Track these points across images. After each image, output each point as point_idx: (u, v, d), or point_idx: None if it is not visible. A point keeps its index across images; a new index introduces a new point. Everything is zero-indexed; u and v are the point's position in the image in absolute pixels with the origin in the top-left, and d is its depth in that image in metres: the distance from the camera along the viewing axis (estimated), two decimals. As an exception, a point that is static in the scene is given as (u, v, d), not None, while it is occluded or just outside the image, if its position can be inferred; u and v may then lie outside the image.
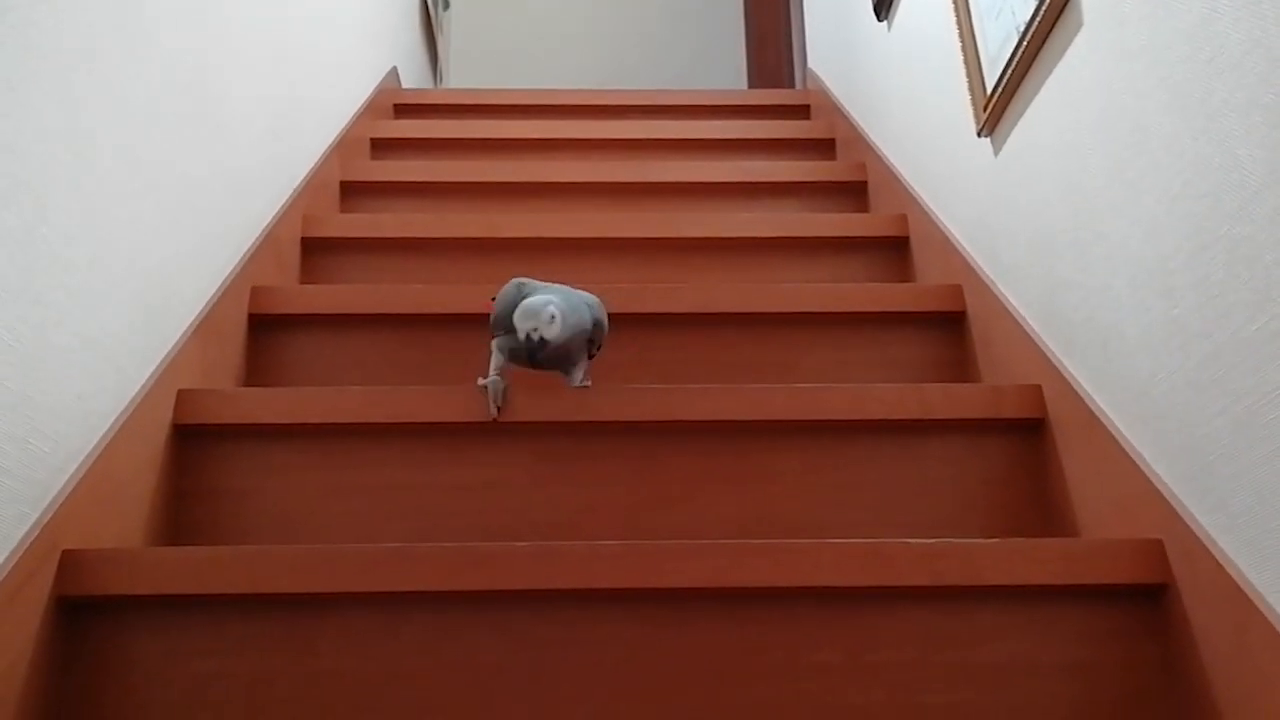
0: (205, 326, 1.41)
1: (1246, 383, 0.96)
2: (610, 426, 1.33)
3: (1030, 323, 1.43)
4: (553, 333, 1.25)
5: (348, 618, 1.03)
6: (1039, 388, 1.35)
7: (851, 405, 1.34)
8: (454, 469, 1.31)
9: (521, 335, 1.25)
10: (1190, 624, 1.01)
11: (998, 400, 1.35)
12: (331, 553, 1.03)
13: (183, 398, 1.30)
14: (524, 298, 1.30)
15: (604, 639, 1.03)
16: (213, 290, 1.48)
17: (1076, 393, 1.26)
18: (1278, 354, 0.91)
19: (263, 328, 1.60)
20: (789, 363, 1.62)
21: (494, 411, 1.30)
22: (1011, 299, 1.49)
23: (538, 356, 1.26)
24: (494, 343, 1.35)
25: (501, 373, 1.33)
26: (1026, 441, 1.35)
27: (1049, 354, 1.35)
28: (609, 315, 1.43)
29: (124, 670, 1.00)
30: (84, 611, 1.02)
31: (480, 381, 1.33)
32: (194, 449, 1.30)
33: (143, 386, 1.23)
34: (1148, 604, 1.06)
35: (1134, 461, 1.13)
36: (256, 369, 1.58)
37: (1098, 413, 1.21)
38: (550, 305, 1.25)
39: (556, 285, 1.36)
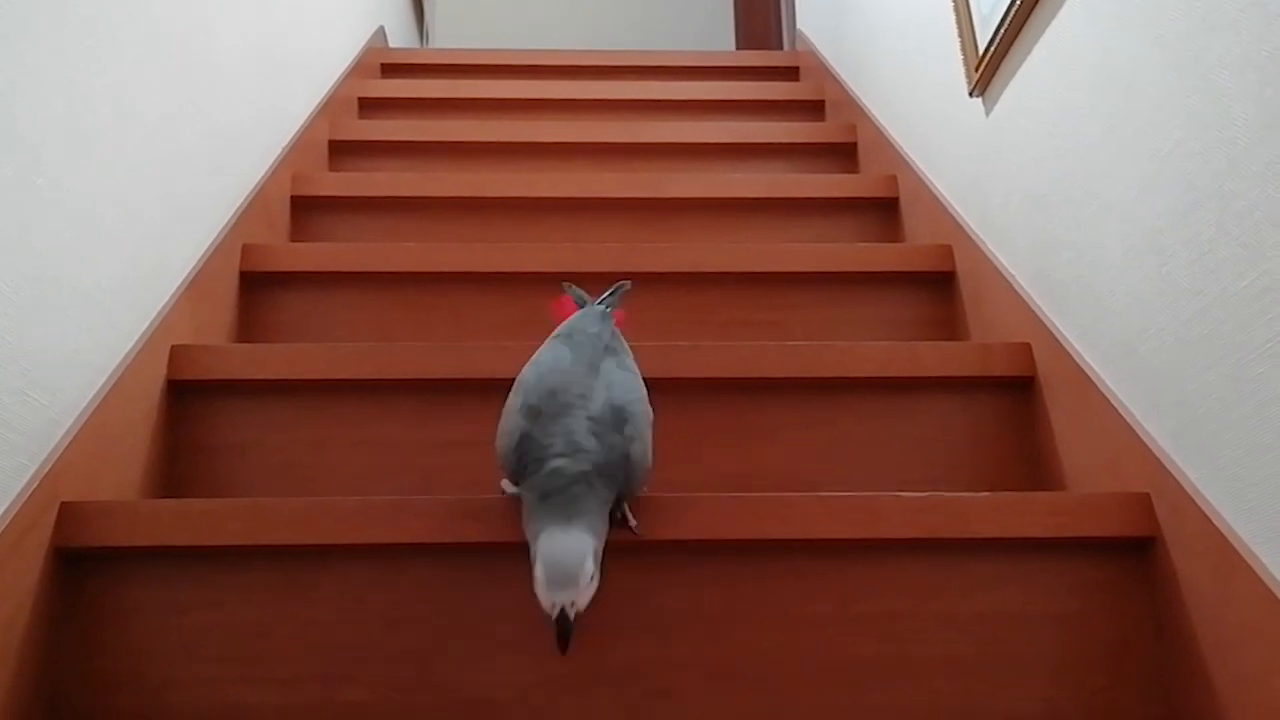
0: (197, 284, 1.41)
1: (1235, 338, 0.97)
2: (603, 383, 1.34)
3: (1020, 281, 1.44)
4: (590, 595, 0.88)
5: (345, 569, 1.04)
6: (1028, 345, 1.36)
7: (843, 363, 1.35)
8: (448, 425, 1.32)
9: (553, 613, 0.87)
10: (1177, 575, 1.02)
11: (987, 358, 1.36)
12: (329, 505, 1.04)
13: (176, 354, 1.30)
14: (545, 448, 0.92)
15: (597, 589, 1.04)
16: (204, 248, 1.48)
17: (1066, 350, 1.27)
18: (1266, 310, 0.92)
19: (254, 285, 1.60)
20: (779, 322, 1.63)
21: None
22: (1002, 258, 1.50)
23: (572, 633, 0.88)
24: (517, 490, 0.97)
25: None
26: (1016, 399, 1.36)
27: (1039, 312, 1.36)
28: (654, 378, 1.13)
29: (123, 621, 1.01)
30: (83, 562, 1.02)
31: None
32: (188, 405, 1.30)
33: (137, 342, 1.23)
34: (1135, 556, 1.07)
35: (1122, 417, 1.14)
36: (248, 327, 1.58)
37: (1087, 370, 1.22)
38: (588, 563, 0.87)
39: (581, 409, 0.95)
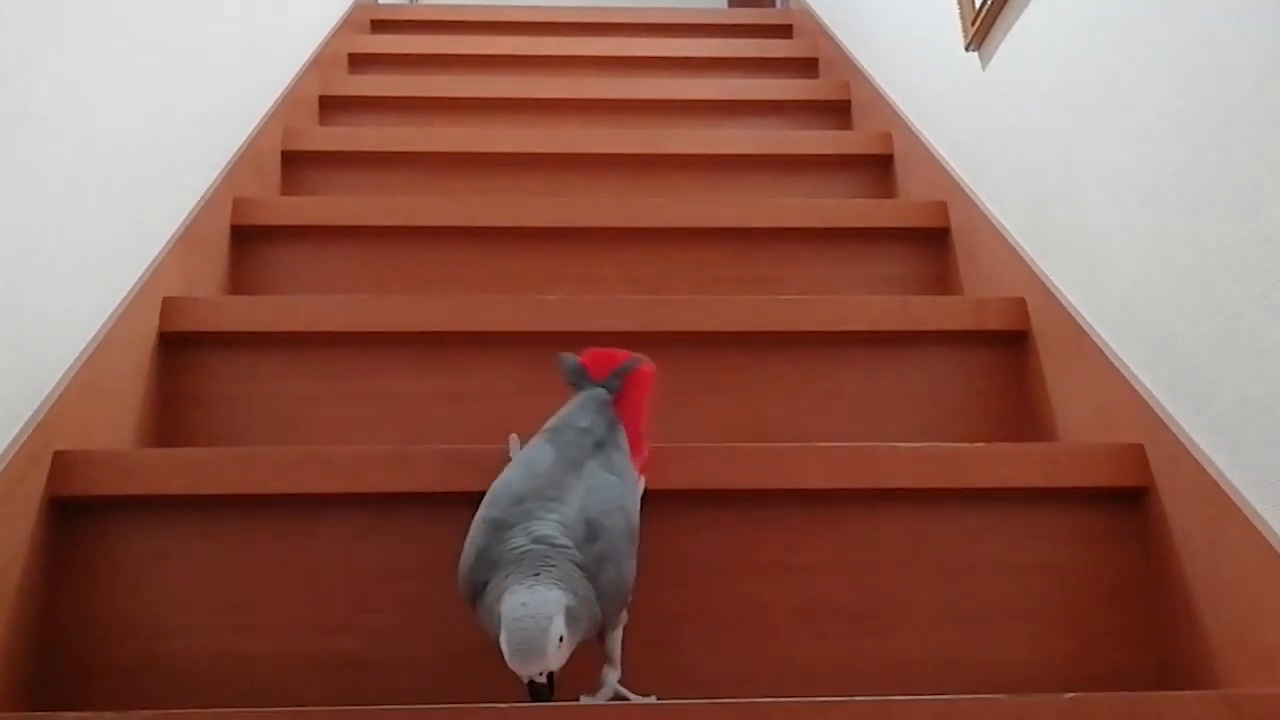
0: (188, 236, 1.40)
1: (1231, 289, 0.97)
2: (596, 337, 1.33)
3: (1015, 236, 1.43)
4: (562, 658, 0.79)
5: (341, 518, 1.03)
6: (1023, 300, 1.36)
7: (838, 317, 1.34)
8: (441, 378, 1.32)
9: (523, 677, 0.79)
10: (1169, 524, 1.03)
11: (982, 312, 1.36)
12: (323, 454, 1.03)
13: (168, 305, 1.29)
14: (504, 586, 0.80)
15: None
16: (195, 200, 1.47)
17: (1060, 304, 1.27)
18: (1261, 260, 0.92)
19: (245, 239, 1.59)
20: (774, 278, 1.62)
21: None
22: (996, 214, 1.50)
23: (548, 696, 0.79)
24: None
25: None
26: (1010, 353, 1.37)
27: (1033, 267, 1.36)
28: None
29: (117, 569, 1.01)
30: (77, 511, 1.02)
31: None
32: (180, 357, 1.30)
33: (129, 293, 1.22)
34: (1128, 506, 1.08)
35: (1116, 370, 1.14)
36: (239, 281, 1.58)
37: (1081, 323, 1.22)
38: (556, 623, 0.78)
39: (548, 516, 0.85)
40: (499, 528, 0.84)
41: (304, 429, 1.28)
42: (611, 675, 0.91)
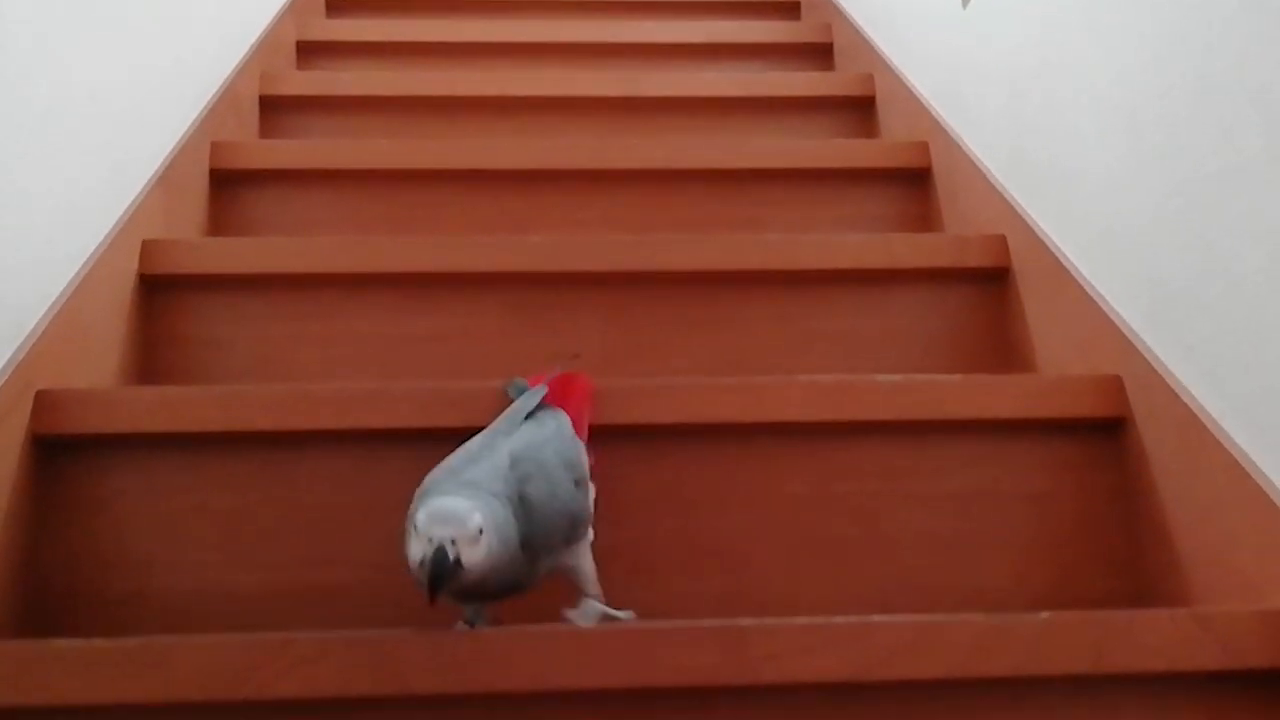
0: (167, 179, 1.39)
1: (1207, 218, 0.98)
2: (580, 277, 1.34)
3: (996, 175, 1.44)
4: (476, 556, 0.73)
5: (325, 455, 1.04)
6: (1003, 237, 1.37)
7: (818, 255, 1.35)
8: (424, 319, 1.32)
9: (415, 555, 0.73)
10: (1146, 454, 1.04)
11: (962, 250, 1.36)
12: (308, 391, 1.04)
13: (148, 248, 1.29)
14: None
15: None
16: (173, 143, 1.46)
17: (1040, 240, 1.28)
18: (1238, 189, 0.93)
19: (224, 183, 1.58)
20: (756, 219, 1.62)
21: None
22: (978, 152, 1.50)
23: (446, 587, 0.72)
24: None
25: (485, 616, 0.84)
26: (990, 290, 1.37)
27: (1014, 204, 1.36)
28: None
29: (104, 506, 1.01)
30: (61, 450, 1.02)
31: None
32: (161, 299, 1.29)
33: (108, 234, 1.21)
34: (1106, 437, 1.09)
35: (1095, 303, 1.15)
36: (218, 225, 1.57)
37: (1061, 258, 1.23)
38: (475, 514, 0.74)
39: (481, 463, 0.82)
40: (428, 490, 0.81)
41: (285, 370, 1.28)
42: (589, 601, 0.89)
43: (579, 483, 0.88)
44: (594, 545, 0.91)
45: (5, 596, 0.94)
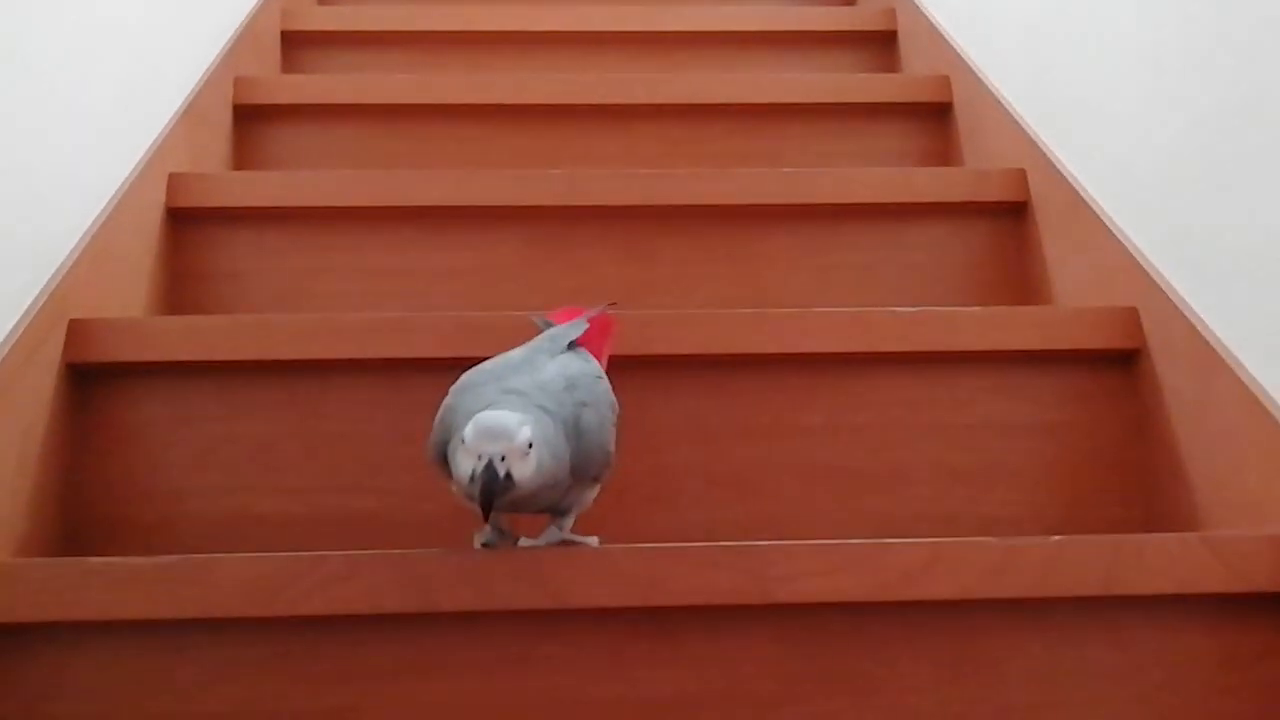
0: (191, 114, 1.40)
1: (1226, 149, 0.98)
2: (599, 211, 1.35)
3: (1017, 109, 1.44)
4: (526, 471, 0.73)
5: (351, 383, 1.06)
6: (1023, 171, 1.37)
7: (838, 189, 1.35)
8: (444, 253, 1.33)
9: (479, 465, 0.72)
10: (1160, 384, 1.05)
11: (982, 183, 1.37)
12: (334, 321, 1.05)
13: (174, 181, 1.30)
14: (481, 408, 0.75)
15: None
16: (197, 77, 1.47)
17: (1060, 174, 1.28)
18: (1259, 118, 0.93)
19: (247, 118, 1.59)
20: (776, 153, 1.63)
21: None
22: (998, 86, 1.50)
23: (500, 502, 0.73)
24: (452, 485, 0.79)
25: (503, 526, 0.84)
26: (1009, 225, 1.38)
27: (1034, 138, 1.36)
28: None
29: (135, 433, 1.04)
30: (93, 378, 1.05)
31: (476, 543, 0.84)
32: (187, 232, 1.31)
33: (135, 167, 1.23)
34: (1121, 368, 1.10)
35: (1113, 235, 1.15)
36: (242, 160, 1.58)
37: (1080, 191, 1.23)
38: (526, 426, 0.73)
39: (527, 376, 0.81)
40: (467, 389, 0.80)
41: (308, 303, 1.30)
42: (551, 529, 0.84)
43: (614, 426, 0.87)
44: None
45: (45, 522, 0.97)
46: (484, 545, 0.83)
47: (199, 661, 0.77)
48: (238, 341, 1.04)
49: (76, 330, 1.03)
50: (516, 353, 0.86)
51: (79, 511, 1.01)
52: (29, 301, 0.98)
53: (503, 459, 0.71)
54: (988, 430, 1.08)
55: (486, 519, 0.74)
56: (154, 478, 1.03)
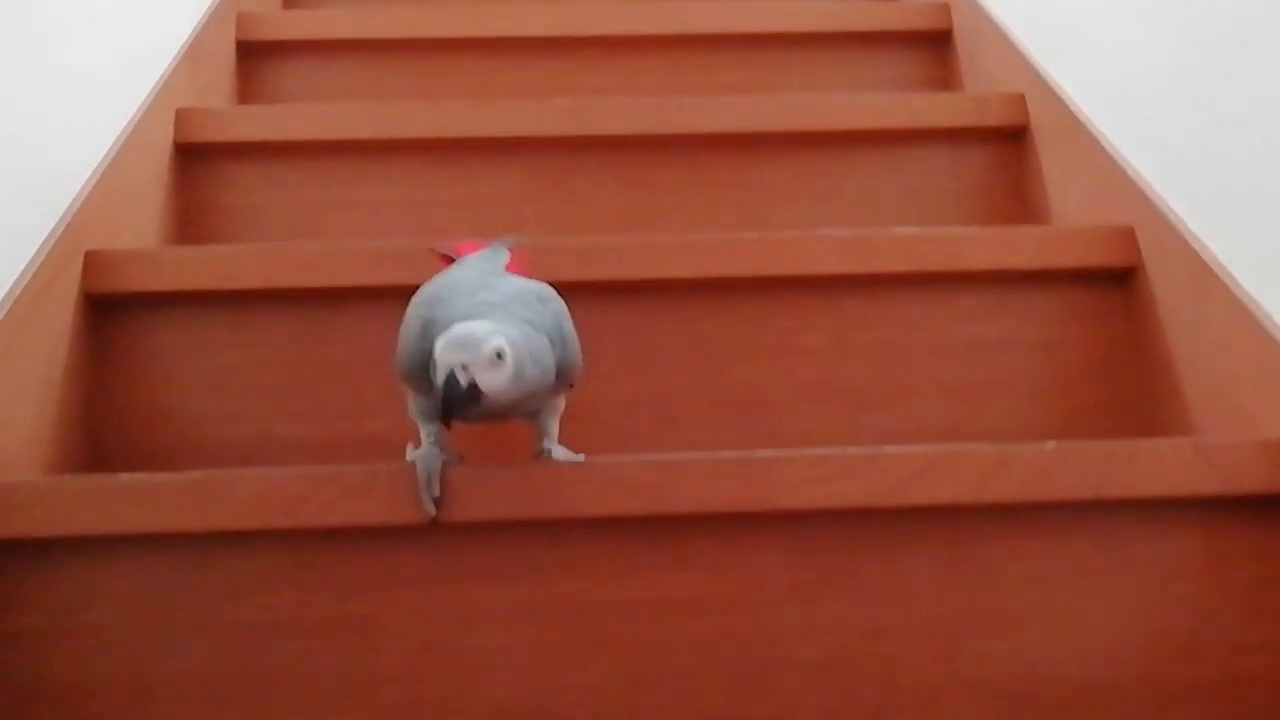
0: (195, 50, 1.42)
1: (1221, 70, 0.99)
2: (602, 141, 1.36)
3: (1015, 34, 1.44)
4: (498, 382, 0.74)
5: (362, 310, 1.08)
6: (1022, 95, 1.38)
7: (841, 115, 1.36)
8: (449, 184, 1.35)
9: (440, 377, 0.73)
10: (1156, 301, 1.07)
11: (982, 108, 1.38)
12: (344, 249, 1.08)
13: (181, 117, 1.32)
14: (461, 318, 0.76)
15: (601, 328, 1.08)
16: (200, 14, 1.48)
17: (1059, 98, 1.29)
18: (1252, 42, 0.94)
19: (251, 55, 1.60)
20: (776, 84, 1.63)
21: (430, 508, 0.80)
22: (998, 12, 1.50)
23: (462, 412, 0.74)
24: (410, 407, 0.86)
25: (441, 443, 0.84)
26: (1009, 149, 1.39)
27: (1033, 63, 1.37)
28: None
29: (152, 361, 1.06)
30: (110, 308, 1.07)
31: (409, 455, 0.85)
32: (195, 166, 1.33)
33: (143, 104, 1.25)
34: (1117, 286, 1.12)
35: (1110, 157, 1.17)
36: (246, 97, 1.59)
37: (1078, 114, 1.25)
38: (497, 336, 0.74)
39: (494, 290, 0.81)
40: (438, 302, 0.81)
41: (317, 235, 1.32)
42: (553, 425, 0.88)
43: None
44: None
45: (69, 446, 1.00)
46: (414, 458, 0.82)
47: (224, 572, 0.80)
48: (250, 270, 1.06)
49: (93, 261, 1.05)
50: (468, 273, 0.86)
51: (101, 436, 1.04)
52: (46, 233, 1.01)
53: (464, 368, 0.73)
54: (986, 348, 1.10)
55: (448, 426, 0.76)
56: (172, 404, 1.06)
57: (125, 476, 0.81)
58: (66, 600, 0.80)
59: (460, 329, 0.74)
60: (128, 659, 0.79)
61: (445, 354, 0.73)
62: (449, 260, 0.95)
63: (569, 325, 0.83)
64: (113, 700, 0.78)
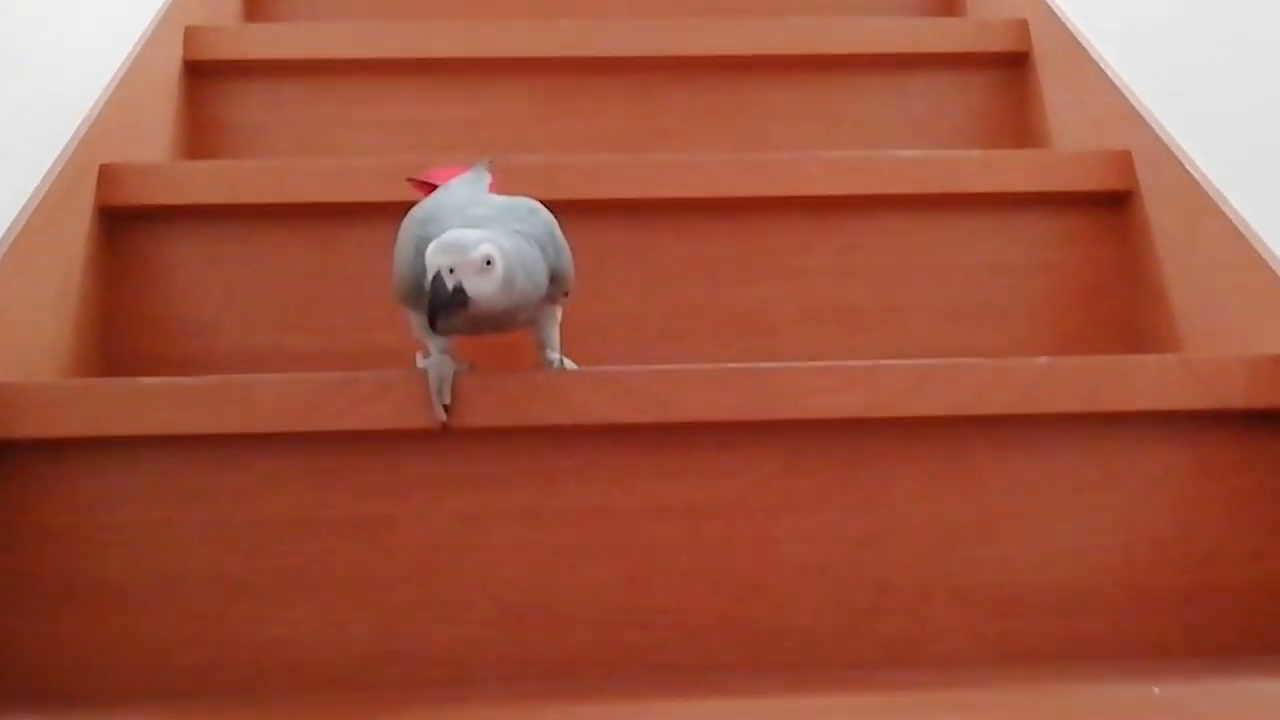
0: (202, -32, 1.42)
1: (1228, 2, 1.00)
2: (608, 63, 1.37)
3: (1020, -41, 1.45)
4: (487, 288, 0.76)
5: (370, 226, 1.10)
6: (1025, 21, 1.39)
7: (845, 40, 1.37)
8: (457, 105, 1.36)
9: (428, 278, 0.75)
10: (1150, 224, 1.09)
11: (984, 34, 1.39)
12: (355, 165, 1.09)
13: (191, 34, 1.33)
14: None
15: (607, 246, 1.11)
16: (205, -68, 1.48)
17: (1062, 24, 1.30)
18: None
19: (257, -26, 1.60)
20: (780, 8, 1.64)
21: (441, 414, 0.82)
22: (1003, -63, 1.51)
23: (450, 317, 0.76)
24: (414, 329, 0.88)
25: (449, 352, 0.85)
26: (1011, 75, 1.40)
27: (1037, -12, 1.38)
28: None
29: (166, 273, 1.09)
30: (125, 221, 1.09)
31: (419, 362, 0.89)
32: (204, 85, 1.34)
33: (153, 21, 1.26)
34: (1113, 209, 1.14)
35: (1111, 83, 1.18)
36: (255, 15, 1.60)
37: (1080, 40, 1.26)
38: (486, 244, 0.75)
39: (485, 205, 0.83)
40: (429, 222, 0.82)
41: (325, 154, 1.33)
42: (553, 334, 0.90)
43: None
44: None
45: (87, 355, 1.02)
46: (425, 365, 0.84)
47: (243, 474, 0.83)
48: (262, 185, 1.08)
49: (107, 175, 1.07)
50: (456, 193, 0.88)
51: (118, 346, 1.07)
52: (61, 146, 1.02)
53: (451, 271, 0.74)
54: (984, 270, 1.13)
55: (435, 329, 0.77)
56: (186, 316, 1.08)
57: (147, 380, 0.83)
58: (92, 499, 0.83)
59: (451, 234, 0.75)
60: (151, 555, 0.82)
61: (433, 256, 0.74)
62: (428, 188, 0.96)
63: (560, 234, 0.86)
64: (139, 594, 0.81)
